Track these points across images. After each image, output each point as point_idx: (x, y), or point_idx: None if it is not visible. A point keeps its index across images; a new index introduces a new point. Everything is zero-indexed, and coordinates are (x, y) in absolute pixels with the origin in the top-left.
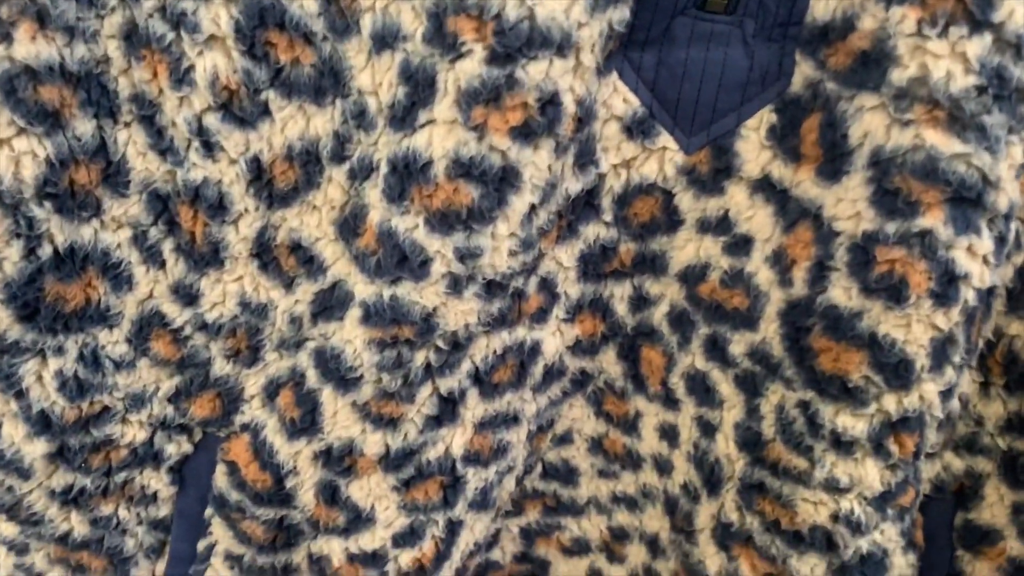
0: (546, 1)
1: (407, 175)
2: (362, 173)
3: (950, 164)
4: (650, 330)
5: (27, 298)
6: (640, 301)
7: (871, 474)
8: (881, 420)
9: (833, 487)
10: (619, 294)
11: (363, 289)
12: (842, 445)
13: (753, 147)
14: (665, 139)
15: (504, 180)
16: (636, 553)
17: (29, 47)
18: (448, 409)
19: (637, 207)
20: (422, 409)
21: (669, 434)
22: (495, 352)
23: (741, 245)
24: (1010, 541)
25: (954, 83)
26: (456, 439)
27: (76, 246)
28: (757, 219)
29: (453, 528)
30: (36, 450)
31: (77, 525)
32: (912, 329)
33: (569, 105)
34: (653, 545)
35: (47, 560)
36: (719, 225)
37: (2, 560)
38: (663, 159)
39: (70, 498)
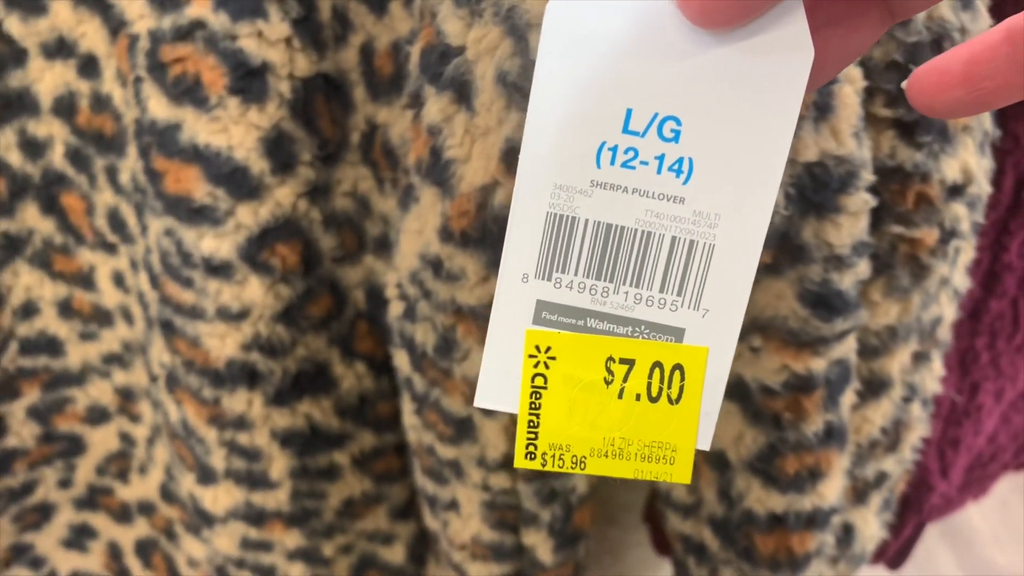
0: None
1: None
2: None
3: None
4: (58, 175)
5: None
6: (32, 147)
7: (257, 291)
8: (245, 236)
9: (227, 315)
10: (3, 142)
11: None
12: (217, 270)
13: None
14: None
15: None
16: (146, 410)
17: None
18: None
19: None
20: None
21: (120, 280)
22: None
23: (91, 66)
24: None
25: None
26: None
27: None
28: (91, 34)
29: None
30: None
31: None
32: (231, 132)
33: None
34: (151, 398)
35: None
36: (61, 48)
37: None
38: None
39: None
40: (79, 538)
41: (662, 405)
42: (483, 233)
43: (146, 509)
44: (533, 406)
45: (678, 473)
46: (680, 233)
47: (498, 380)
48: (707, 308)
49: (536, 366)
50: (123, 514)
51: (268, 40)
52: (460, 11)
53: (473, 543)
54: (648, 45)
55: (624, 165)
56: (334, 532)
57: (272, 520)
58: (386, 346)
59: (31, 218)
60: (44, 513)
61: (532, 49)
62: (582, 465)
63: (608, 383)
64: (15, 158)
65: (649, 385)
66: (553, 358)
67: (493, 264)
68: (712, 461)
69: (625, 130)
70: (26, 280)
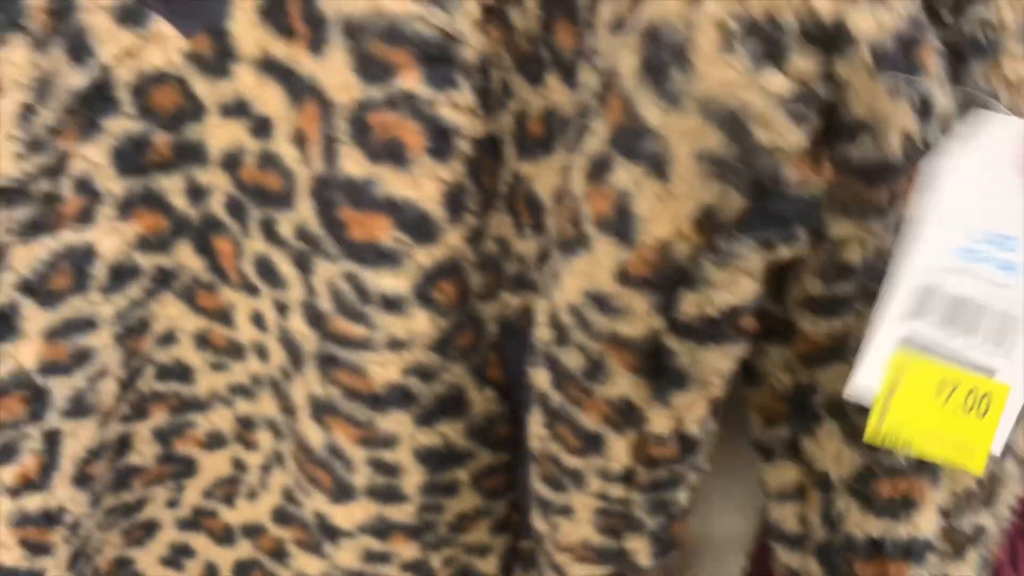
0: None
1: None
2: None
3: (410, 25)
4: (215, 221)
5: None
6: (196, 192)
7: (423, 323)
8: (421, 274)
9: (395, 344)
10: (172, 187)
11: None
12: (392, 305)
13: (246, 26)
14: (161, 25)
15: None
16: (265, 439)
17: None
18: (3, 325)
19: (157, 97)
20: None
21: (259, 320)
22: (42, 260)
23: (264, 127)
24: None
25: None
26: (24, 351)
27: None
28: (270, 99)
29: (52, 438)
30: None
31: None
32: (421, 186)
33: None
34: (274, 428)
35: None
36: (239, 109)
37: None
38: (167, 47)
39: None
40: (178, 557)
41: (972, 418)
42: (659, 279)
43: (252, 532)
44: (885, 402)
45: (974, 465)
46: (1007, 308)
47: (865, 383)
48: (1014, 360)
49: (893, 376)
50: (225, 536)
51: (459, 107)
52: (660, 102)
53: (581, 546)
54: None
55: (979, 259)
56: (443, 545)
57: (396, 533)
58: (511, 373)
59: (184, 256)
60: (149, 530)
61: (746, 137)
62: (909, 446)
63: (939, 395)
64: (180, 201)
65: (966, 402)
66: (905, 373)
67: (659, 305)
68: (818, 483)
69: (984, 234)
70: (171, 311)
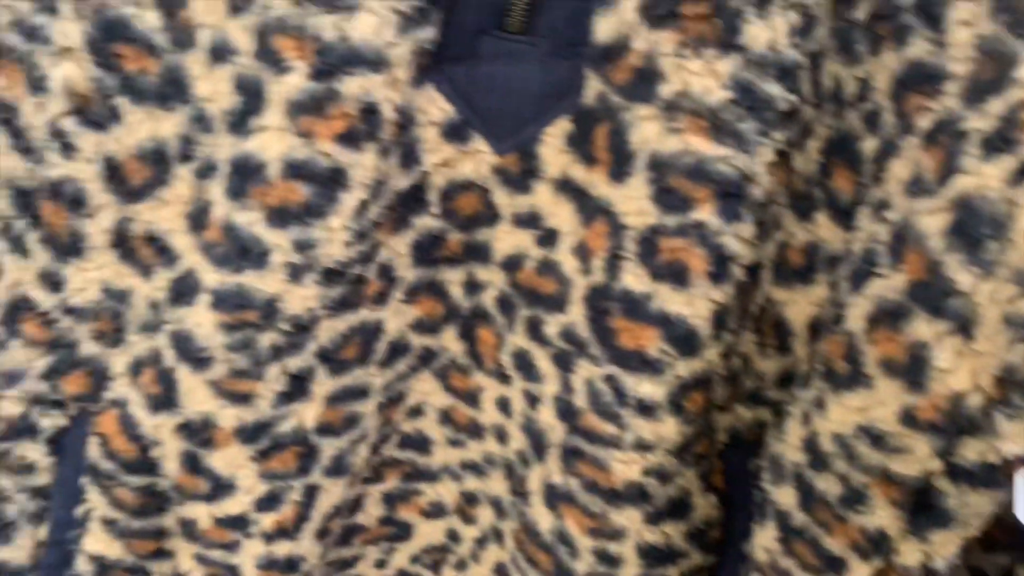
0: (358, 24)
1: (245, 175)
2: (206, 172)
3: (714, 165)
4: (484, 313)
5: None
6: (472, 286)
7: (672, 430)
8: (677, 384)
9: (642, 446)
10: (453, 279)
11: (211, 277)
12: (646, 409)
13: (553, 152)
14: (479, 143)
15: (333, 180)
16: (485, 515)
17: None
18: (298, 386)
19: (461, 202)
20: (273, 386)
21: (505, 406)
22: (340, 333)
23: (550, 238)
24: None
25: (710, 96)
26: (308, 413)
27: None
28: (562, 215)
29: (311, 493)
30: None
31: None
32: (696, 305)
33: (388, 113)
34: (498, 507)
35: None
36: (530, 220)
37: None
38: (478, 160)
39: None
40: None
41: None
42: (947, 425)
43: None
44: None
45: None
46: None
47: None
48: None
49: None
50: None
51: (742, 238)
52: (973, 268)
53: None
54: None
55: None
56: None
57: None
58: (731, 482)
59: (448, 339)
60: None
61: None
62: None
63: None
64: (457, 292)
65: None
66: None
67: (941, 449)
68: None
69: None
70: (425, 387)
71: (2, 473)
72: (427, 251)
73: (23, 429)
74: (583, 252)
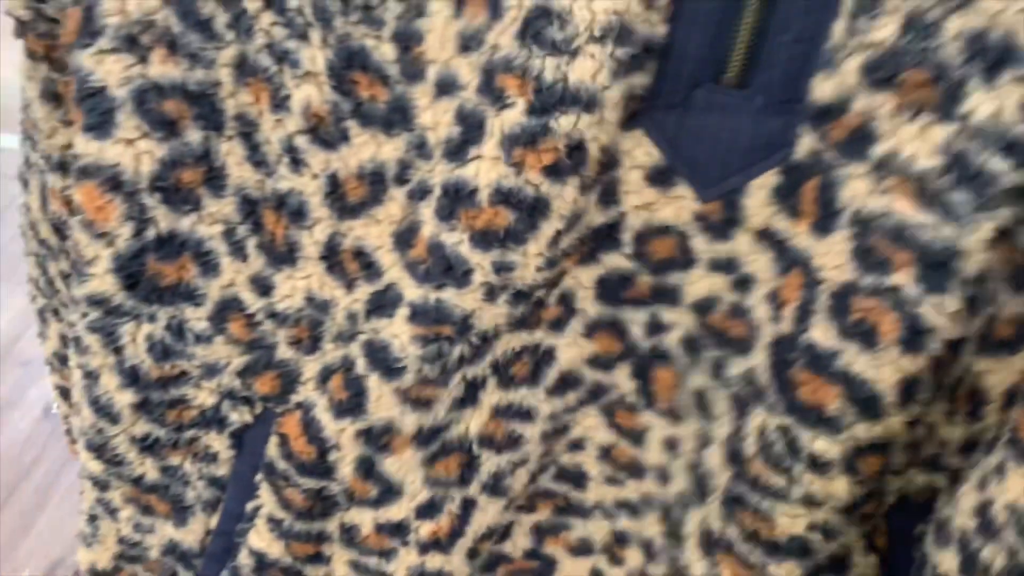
0: (576, 67)
1: (456, 199)
2: (419, 195)
3: (916, 231)
4: (664, 353)
5: (131, 271)
6: (655, 327)
7: (843, 489)
8: (853, 445)
9: (810, 501)
10: (636, 319)
11: (412, 292)
12: (818, 466)
13: (759, 203)
14: (683, 189)
15: (536, 209)
16: (634, 556)
17: (160, 68)
18: (471, 393)
19: (656, 245)
20: (452, 392)
21: (672, 446)
22: (513, 349)
23: (745, 283)
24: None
25: (919, 162)
26: (475, 420)
27: (176, 233)
28: (759, 263)
29: (467, 507)
30: (124, 399)
31: (150, 470)
32: (882, 370)
33: (593, 152)
34: (648, 549)
35: (122, 498)
36: (727, 265)
37: (88, 494)
38: (680, 206)
39: (147, 445)
40: None
41: None
42: None
43: None
44: None
45: None
46: None
47: None
48: None
49: None
50: None
51: (943, 312)
52: None
53: None
54: None
55: None
56: None
57: None
58: (893, 543)
59: (620, 376)
60: None
61: None
62: None
63: None
64: (637, 331)
65: None
66: None
67: None
68: None
69: None
70: (590, 422)
71: (188, 458)
72: (613, 290)
73: (213, 420)
74: (775, 300)
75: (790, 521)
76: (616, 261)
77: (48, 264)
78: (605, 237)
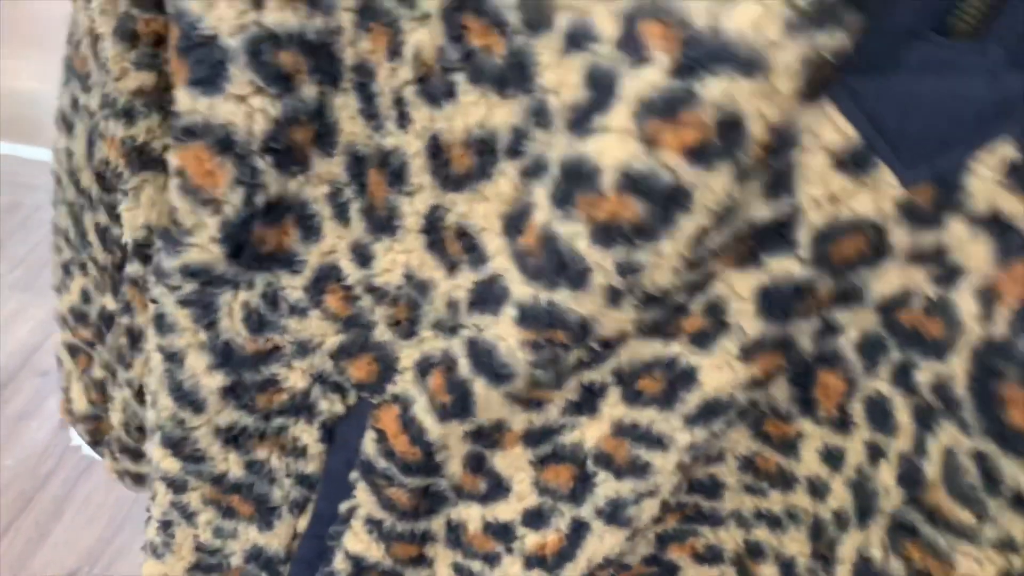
0: (735, 13)
1: (576, 181)
2: (534, 172)
3: None
4: (832, 356)
5: (240, 240)
6: (827, 331)
7: None
8: None
9: (1004, 545)
10: (805, 331)
11: (520, 289)
12: (1022, 504)
13: (984, 183)
14: (882, 172)
15: (673, 199)
16: (767, 573)
17: (277, 14)
18: (589, 399)
19: (843, 244)
20: (567, 395)
21: (833, 458)
22: (642, 360)
23: (950, 275)
24: None
25: None
26: (591, 431)
27: (284, 197)
28: (973, 251)
29: (579, 529)
30: (212, 383)
31: (233, 466)
32: None
33: (755, 130)
34: (788, 568)
35: (201, 500)
36: (932, 256)
37: (161, 497)
38: (878, 193)
39: (231, 436)
40: None
41: None
42: None
43: None
44: None
45: None
46: None
47: None
48: None
49: None
50: None
51: None
52: None
53: None
54: None
55: None
56: None
57: None
58: None
59: (776, 386)
60: None
61: None
62: None
63: None
64: (805, 342)
65: None
66: None
67: None
68: None
69: None
70: (733, 436)
71: (275, 452)
72: (782, 303)
73: (303, 407)
74: (988, 296)
75: (975, 566)
76: (787, 266)
77: (84, 215)
78: (773, 236)
